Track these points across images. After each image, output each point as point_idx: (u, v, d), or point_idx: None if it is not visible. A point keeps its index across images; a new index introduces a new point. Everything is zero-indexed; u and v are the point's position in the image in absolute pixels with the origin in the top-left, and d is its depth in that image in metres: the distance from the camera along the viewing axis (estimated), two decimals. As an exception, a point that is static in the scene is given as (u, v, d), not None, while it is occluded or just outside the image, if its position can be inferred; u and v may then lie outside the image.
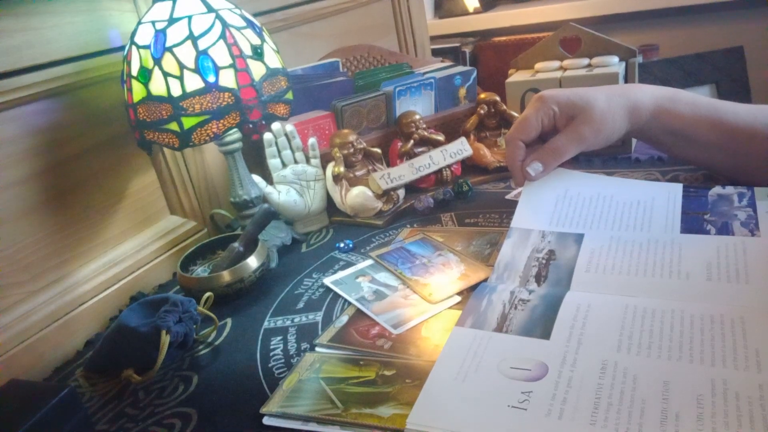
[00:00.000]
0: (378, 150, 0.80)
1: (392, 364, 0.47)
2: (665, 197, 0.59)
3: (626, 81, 0.81)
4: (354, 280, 0.62)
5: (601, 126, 0.61)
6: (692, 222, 0.55)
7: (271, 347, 0.54)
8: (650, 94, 0.62)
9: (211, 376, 0.52)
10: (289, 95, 0.69)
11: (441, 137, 0.82)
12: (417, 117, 0.81)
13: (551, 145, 0.62)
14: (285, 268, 0.69)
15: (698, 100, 0.62)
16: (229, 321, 0.60)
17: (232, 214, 0.77)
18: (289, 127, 0.76)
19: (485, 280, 0.56)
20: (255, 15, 0.69)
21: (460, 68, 0.94)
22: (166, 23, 0.60)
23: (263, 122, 0.64)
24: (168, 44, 0.59)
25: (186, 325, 0.55)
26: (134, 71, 0.61)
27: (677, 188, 0.60)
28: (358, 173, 0.78)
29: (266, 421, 0.44)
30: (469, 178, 0.79)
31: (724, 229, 0.53)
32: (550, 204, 0.62)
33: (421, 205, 0.74)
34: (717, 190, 0.59)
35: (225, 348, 0.56)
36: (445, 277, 0.58)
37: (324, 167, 0.78)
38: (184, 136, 0.61)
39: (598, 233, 0.57)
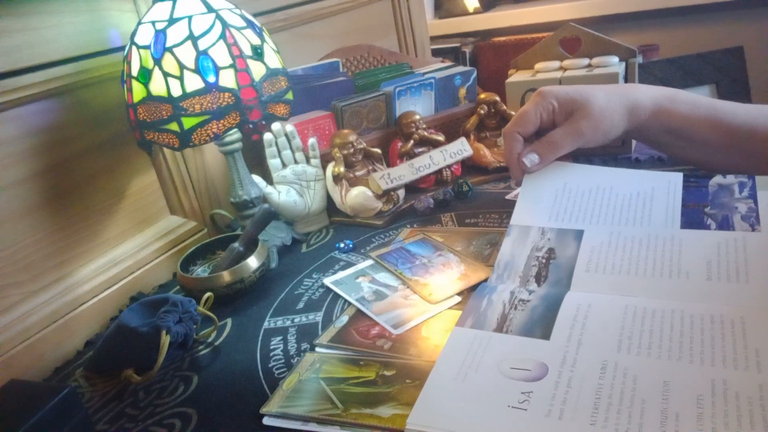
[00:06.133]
0: (378, 150, 0.80)
1: (392, 364, 0.47)
2: (665, 188, 0.59)
3: (626, 81, 0.81)
4: (354, 280, 0.62)
5: (600, 122, 0.61)
6: (692, 215, 0.55)
7: (271, 347, 0.54)
8: (650, 94, 0.62)
9: (211, 376, 0.52)
10: (289, 95, 0.69)
11: (441, 137, 0.82)
12: (417, 117, 0.81)
13: (549, 138, 0.62)
14: (285, 268, 0.69)
15: (697, 100, 0.62)
16: (229, 321, 0.60)
17: (232, 214, 0.77)
18: (289, 127, 0.76)
19: (485, 280, 0.56)
20: (255, 15, 0.69)
21: (460, 68, 0.94)
22: (166, 23, 0.60)
23: (263, 122, 0.64)
24: (168, 44, 0.59)
25: (186, 326, 0.55)
26: (134, 71, 0.61)
27: (677, 178, 0.60)
28: (358, 173, 0.78)
29: (266, 421, 0.44)
30: (469, 178, 0.80)
31: (725, 224, 0.53)
32: (549, 199, 0.61)
33: (421, 205, 0.74)
34: (717, 179, 0.58)
35: (225, 348, 0.56)
36: (445, 277, 0.58)
37: (324, 167, 0.78)
38: (184, 136, 0.61)
39: (597, 229, 0.57)
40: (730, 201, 0.55)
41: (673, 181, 0.59)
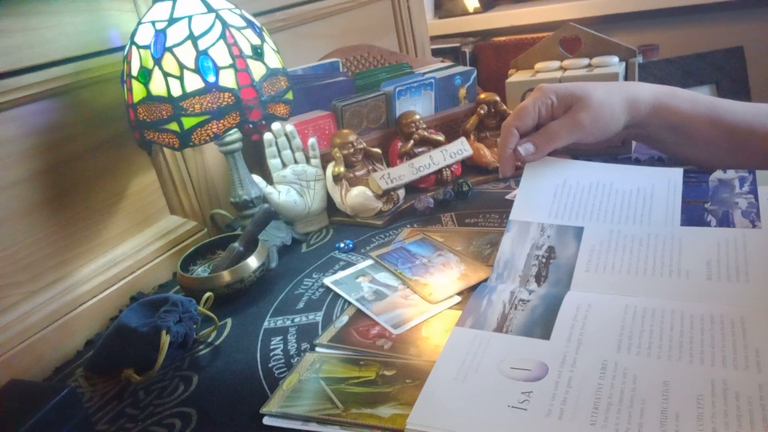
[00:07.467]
0: (378, 150, 0.80)
1: (392, 364, 0.47)
2: (665, 184, 0.58)
3: (626, 81, 0.81)
4: (354, 280, 0.62)
5: (598, 113, 0.61)
6: (692, 212, 0.55)
7: (271, 347, 0.54)
8: (650, 90, 0.63)
9: (211, 376, 0.52)
10: (289, 95, 0.69)
11: (441, 137, 0.82)
12: (417, 117, 0.81)
13: (545, 128, 0.62)
14: (285, 268, 0.69)
15: (697, 98, 0.62)
16: (229, 321, 0.60)
17: (232, 214, 0.77)
18: (289, 127, 0.76)
19: (485, 280, 0.56)
20: (255, 15, 0.69)
21: (460, 68, 0.94)
22: (166, 23, 0.60)
23: (263, 122, 0.64)
24: (168, 44, 0.59)
25: (186, 325, 0.55)
26: (134, 71, 0.61)
27: (677, 174, 0.59)
28: (358, 173, 0.78)
29: (266, 421, 0.44)
30: (469, 178, 0.80)
31: (725, 220, 0.53)
32: (548, 194, 0.61)
33: (421, 205, 0.74)
34: (718, 174, 0.58)
35: (225, 348, 0.56)
36: (445, 277, 0.58)
37: (324, 167, 0.78)
38: (184, 136, 0.61)
39: (597, 227, 0.56)
40: (730, 197, 0.55)
41: (673, 177, 0.59)
